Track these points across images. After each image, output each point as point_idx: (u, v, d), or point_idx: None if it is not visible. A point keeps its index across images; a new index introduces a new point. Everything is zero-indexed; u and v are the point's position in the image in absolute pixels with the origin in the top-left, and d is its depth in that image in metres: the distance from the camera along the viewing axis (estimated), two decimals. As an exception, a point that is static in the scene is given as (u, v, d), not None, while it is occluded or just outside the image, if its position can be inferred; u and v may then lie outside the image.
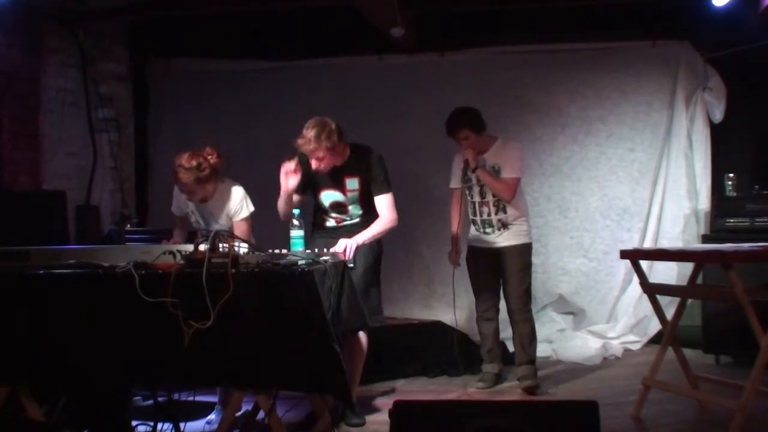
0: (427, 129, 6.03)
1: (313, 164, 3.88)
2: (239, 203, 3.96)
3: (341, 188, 4.02)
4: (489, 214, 4.58)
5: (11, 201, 4.62)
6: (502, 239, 4.57)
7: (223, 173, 3.98)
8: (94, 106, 5.78)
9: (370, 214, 4.07)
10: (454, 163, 4.75)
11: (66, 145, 5.47)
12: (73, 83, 5.60)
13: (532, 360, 4.56)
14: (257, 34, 6.15)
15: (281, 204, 3.96)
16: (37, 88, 5.28)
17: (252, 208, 4.00)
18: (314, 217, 4.19)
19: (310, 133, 3.79)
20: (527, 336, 4.56)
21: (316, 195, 4.12)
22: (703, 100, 5.71)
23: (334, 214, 4.11)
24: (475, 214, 4.64)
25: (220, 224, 3.97)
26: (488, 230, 4.59)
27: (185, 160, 3.79)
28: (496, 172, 4.51)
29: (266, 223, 4.24)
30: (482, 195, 4.58)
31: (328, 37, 6.07)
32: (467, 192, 4.68)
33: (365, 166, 4.01)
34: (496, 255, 4.59)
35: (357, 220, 4.10)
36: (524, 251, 4.59)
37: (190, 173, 3.78)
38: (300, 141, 3.82)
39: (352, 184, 4.02)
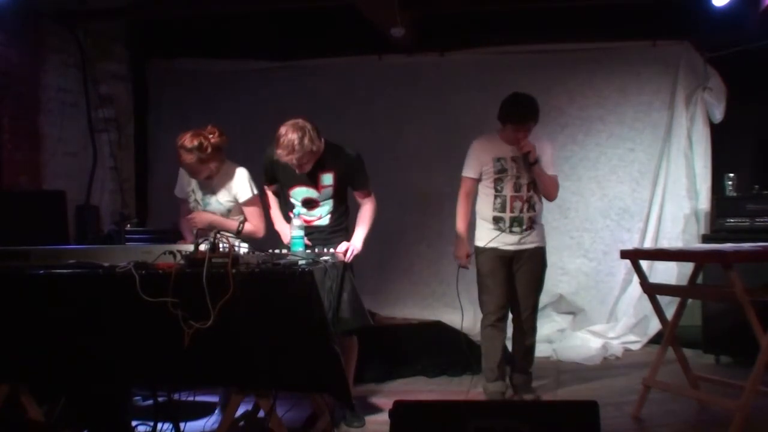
0: (428, 129, 6.05)
1: (297, 170, 3.78)
2: (244, 183, 3.94)
3: (315, 184, 3.91)
4: (522, 211, 4.19)
5: (11, 201, 4.61)
6: (529, 240, 4.23)
7: (226, 153, 3.97)
8: (94, 106, 5.77)
9: (338, 212, 4.01)
10: (475, 150, 4.30)
11: (66, 145, 5.47)
12: (73, 83, 5.60)
13: (530, 369, 4.41)
14: (257, 34, 6.15)
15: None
16: (37, 88, 5.27)
17: (256, 191, 3.98)
18: (281, 212, 4.10)
19: (291, 139, 3.62)
20: (533, 346, 4.37)
21: (285, 192, 4.02)
22: (703, 100, 5.71)
23: (303, 211, 3.96)
24: (503, 210, 4.20)
25: (220, 203, 3.98)
26: (515, 229, 4.20)
27: (187, 141, 3.80)
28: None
29: (265, 223, 4.25)
30: (517, 188, 4.18)
31: (328, 37, 6.07)
32: (496, 184, 4.23)
33: (341, 162, 3.90)
34: (516, 258, 4.25)
35: (326, 220, 3.99)
36: (545, 254, 4.34)
37: (192, 153, 3.79)
38: (280, 151, 3.66)
39: (327, 179, 3.91)
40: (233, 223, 3.85)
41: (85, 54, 5.68)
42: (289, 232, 3.83)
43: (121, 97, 6.08)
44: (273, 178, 4.05)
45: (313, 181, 3.90)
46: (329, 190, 3.94)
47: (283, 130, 3.67)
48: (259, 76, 6.22)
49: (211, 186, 3.99)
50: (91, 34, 5.77)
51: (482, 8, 5.74)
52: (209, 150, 3.81)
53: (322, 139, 3.83)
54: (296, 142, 3.62)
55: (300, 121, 3.69)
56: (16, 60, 5.08)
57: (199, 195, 4.03)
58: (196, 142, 3.78)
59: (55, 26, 5.44)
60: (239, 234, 3.60)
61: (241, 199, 3.94)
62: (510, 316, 4.38)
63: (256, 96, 6.20)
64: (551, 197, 4.30)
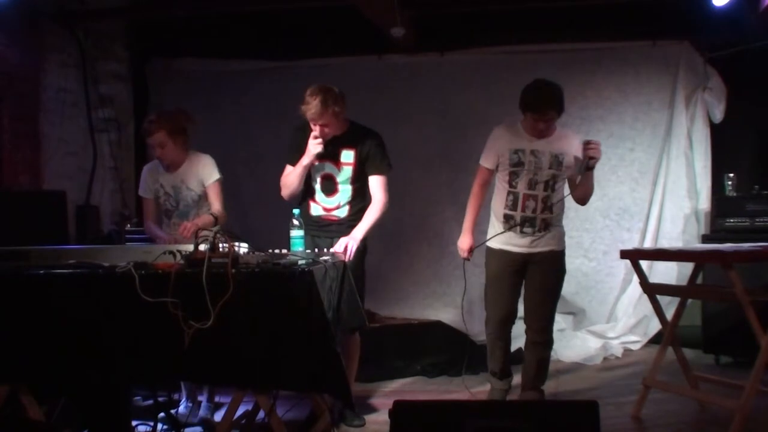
0: (428, 129, 6.04)
1: (317, 131, 3.84)
2: (210, 167, 4.07)
3: (336, 160, 3.95)
4: (534, 211, 3.91)
5: (11, 201, 4.62)
6: (541, 243, 3.95)
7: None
8: (94, 106, 5.78)
9: (357, 204, 4.01)
10: (493, 138, 4.05)
11: (66, 145, 5.47)
12: (73, 83, 5.60)
13: (542, 386, 4.17)
14: (257, 34, 6.14)
15: (295, 178, 3.94)
16: (37, 88, 5.27)
17: (220, 175, 4.10)
18: (300, 206, 4.04)
19: (315, 99, 3.77)
20: (547, 361, 4.11)
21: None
22: (703, 100, 5.71)
23: (322, 198, 4.02)
24: (514, 208, 3.93)
25: (191, 190, 4.05)
26: (527, 230, 3.93)
27: (155, 116, 3.97)
28: (559, 163, 3.96)
29: (265, 222, 4.25)
30: (531, 186, 3.91)
31: (328, 37, 6.07)
32: (511, 178, 3.96)
33: (363, 141, 3.95)
34: (527, 262, 3.98)
35: (345, 211, 4.01)
36: (562, 259, 4.05)
37: (162, 128, 3.93)
38: (305, 107, 3.80)
39: (348, 156, 3.95)
40: (208, 218, 3.96)
41: (85, 54, 5.68)
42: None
43: (121, 97, 6.07)
44: (300, 150, 3.98)
45: (333, 156, 3.95)
46: (349, 170, 3.96)
47: (309, 89, 3.83)
48: (259, 76, 6.22)
49: (179, 175, 4.07)
50: (91, 34, 5.78)
51: (482, 8, 5.74)
52: (180, 122, 3.97)
53: (347, 118, 3.95)
54: (320, 100, 3.76)
55: (328, 85, 3.85)
56: (16, 60, 5.08)
57: (168, 187, 4.09)
58: (165, 116, 3.97)
59: (55, 26, 5.44)
60: (217, 222, 3.82)
61: (209, 180, 4.05)
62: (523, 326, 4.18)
63: (256, 96, 6.20)
64: (585, 203, 4.16)
